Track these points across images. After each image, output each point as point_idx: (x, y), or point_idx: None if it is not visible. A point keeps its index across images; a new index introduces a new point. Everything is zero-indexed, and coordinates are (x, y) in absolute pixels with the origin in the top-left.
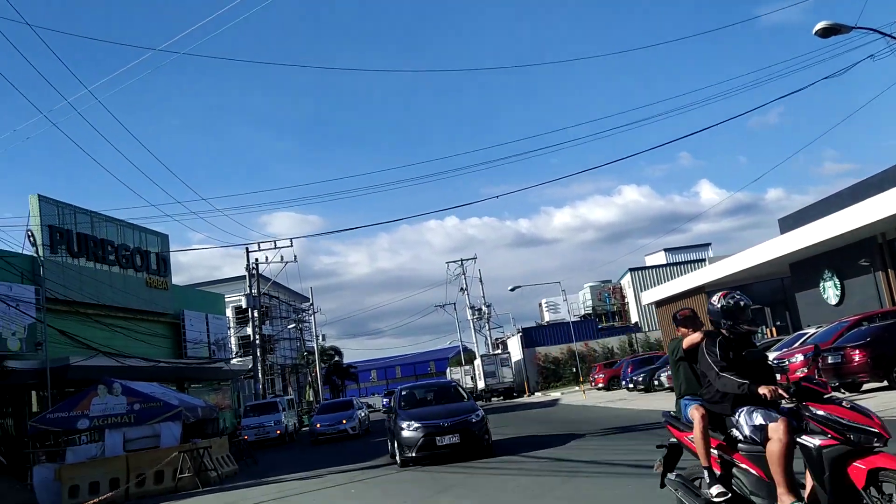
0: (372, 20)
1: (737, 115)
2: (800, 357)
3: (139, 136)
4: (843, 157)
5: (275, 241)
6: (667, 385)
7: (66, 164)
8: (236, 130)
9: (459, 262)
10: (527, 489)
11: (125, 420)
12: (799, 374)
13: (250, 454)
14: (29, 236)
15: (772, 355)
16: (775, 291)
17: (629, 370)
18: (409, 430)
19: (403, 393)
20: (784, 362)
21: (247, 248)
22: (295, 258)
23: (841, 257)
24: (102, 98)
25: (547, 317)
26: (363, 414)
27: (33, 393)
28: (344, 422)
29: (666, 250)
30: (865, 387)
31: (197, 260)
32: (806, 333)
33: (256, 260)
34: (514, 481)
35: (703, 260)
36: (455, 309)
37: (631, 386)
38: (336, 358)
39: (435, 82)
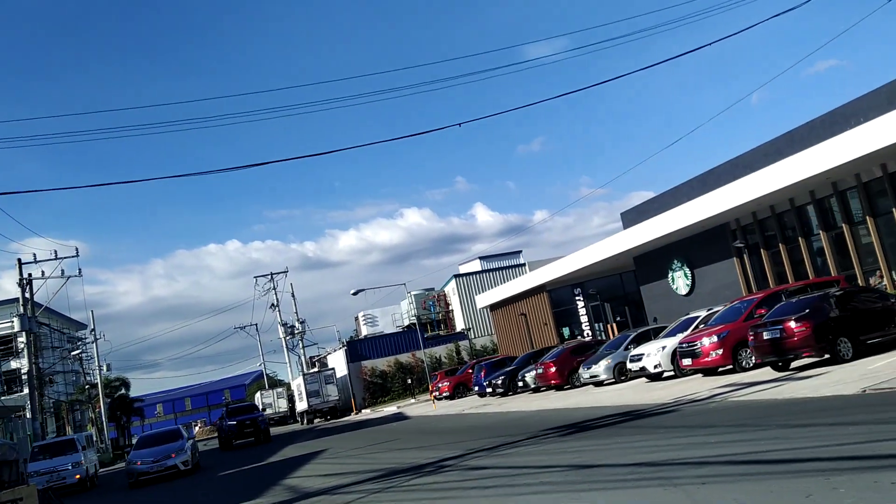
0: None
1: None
2: (707, 340)
3: None
4: (596, 182)
5: (55, 251)
6: (532, 385)
7: None
8: None
9: (269, 277)
10: None
11: None
12: (714, 356)
13: None
14: None
15: (652, 346)
16: (613, 287)
17: (482, 374)
18: None
19: None
20: (695, 345)
21: (19, 260)
22: (80, 271)
23: (691, 246)
24: None
25: (364, 331)
26: (191, 444)
27: None
28: (173, 455)
29: (480, 258)
30: (796, 363)
31: None
32: (696, 317)
33: (30, 275)
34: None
35: (522, 265)
36: (257, 330)
37: (490, 390)
38: (122, 390)
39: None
